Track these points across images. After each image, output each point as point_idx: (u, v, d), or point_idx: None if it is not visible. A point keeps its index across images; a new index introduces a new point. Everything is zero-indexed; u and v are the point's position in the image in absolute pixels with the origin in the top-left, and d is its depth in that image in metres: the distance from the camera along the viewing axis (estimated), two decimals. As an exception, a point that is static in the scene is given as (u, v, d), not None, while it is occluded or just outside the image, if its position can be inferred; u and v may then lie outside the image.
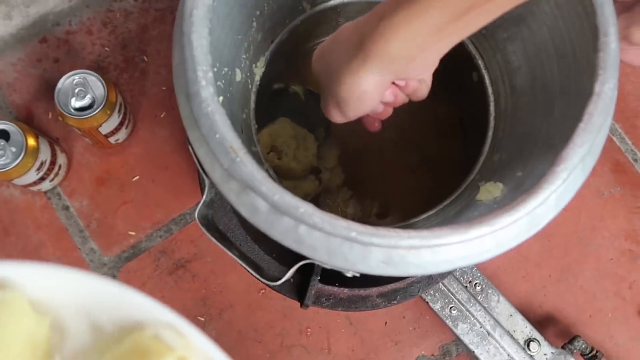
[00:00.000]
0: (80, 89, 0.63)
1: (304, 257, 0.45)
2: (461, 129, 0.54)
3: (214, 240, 0.38)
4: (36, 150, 0.63)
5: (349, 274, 0.38)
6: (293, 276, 0.56)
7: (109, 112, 0.64)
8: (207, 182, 0.37)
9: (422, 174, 0.55)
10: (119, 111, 0.66)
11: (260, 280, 0.52)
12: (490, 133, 0.48)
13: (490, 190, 0.43)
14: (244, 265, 0.38)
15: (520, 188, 0.39)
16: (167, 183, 0.72)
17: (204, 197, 0.37)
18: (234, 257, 0.38)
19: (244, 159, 0.33)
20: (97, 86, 0.63)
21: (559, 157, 0.33)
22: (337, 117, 0.41)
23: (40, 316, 0.29)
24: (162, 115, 0.73)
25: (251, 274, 0.51)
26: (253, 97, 0.47)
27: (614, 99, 0.35)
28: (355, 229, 0.32)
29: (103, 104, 0.63)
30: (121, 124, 0.67)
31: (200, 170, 0.36)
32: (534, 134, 0.43)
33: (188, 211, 0.71)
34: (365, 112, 0.40)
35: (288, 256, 0.47)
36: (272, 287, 0.58)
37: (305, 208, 0.32)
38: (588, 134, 0.33)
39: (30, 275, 0.30)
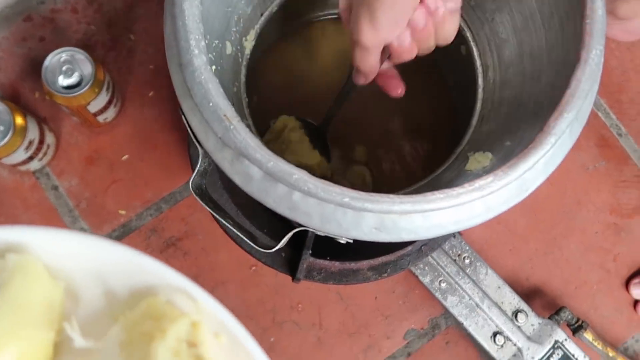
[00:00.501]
0: (68, 66, 0.62)
1: (296, 236, 0.46)
2: (450, 102, 0.55)
3: (208, 209, 0.38)
4: (24, 129, 0.62)
5: (343, 241, 0.39)
6: (285, 251, 0.57)
7: (97, 90, 0.63)
8: (200, 151, 0.37)
9: (413, 146, 0.55)
10: (107, 89, 0.66)
11: (254, 249, 0.53)
12: (478, 104, 0.48)
13: (480, 160, 0.44)
14: (238, 233, 0.38)
15: (509, 157, 0.40)
16: (156, 162, 0.72)
17: (198, 166, 0.37)
18: (228, 225, 0.38)
19: (237, 127, 0.33)
20: (84, 64, 0.63)
21: (548, 122, 0.34)
22: (368, 34, 0.38)
23: (55, 281, 0.30)
24: (150, 94, 0.73)
25: (243, 244, 0.52)
26: (244, 71, 0.47)
27: (601, 65, 0.35)
28: (349, 195, 0.33)
29: (91, 81, 0.62)
30: (109, 102, 0.67)
31: (194, 140, 0.36)
32: (522, 104, 0.44)
33: (178, 190, 0.71)
34: (399, 22, 0.37)
35: (279, 231, 0.47)
36: (264, 262, 0.58)
37: (299, 175, 0.33)
38: (576, 99, 0.34)
39: (45, 240, 0.30)
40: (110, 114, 0.69)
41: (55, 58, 0.62)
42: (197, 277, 0.69)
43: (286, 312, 0.69)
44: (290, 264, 0.58)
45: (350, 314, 0.70)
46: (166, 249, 0.70)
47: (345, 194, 0.33)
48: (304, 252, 0.55)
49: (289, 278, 0.69)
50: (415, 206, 0.33)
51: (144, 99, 0.73)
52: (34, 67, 0.71)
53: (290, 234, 0.37)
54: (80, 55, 0.63)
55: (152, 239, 0.70)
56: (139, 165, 0.71)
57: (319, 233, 0.36)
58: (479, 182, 0.33)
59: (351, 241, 0.39)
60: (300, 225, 0.37)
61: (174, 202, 0.71)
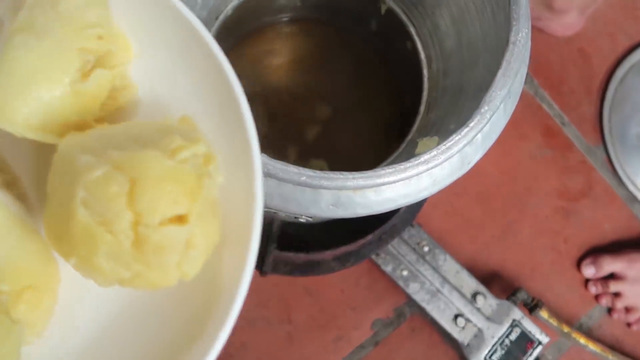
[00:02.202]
0: None
1: (262, 231, 0.48)
2: (398, 93, 0.58)
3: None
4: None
5: (303, 219, 0.41)
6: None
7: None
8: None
9: (365, 137, 0.58)
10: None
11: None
12: (425, 93, 0.52)
13: (427, 144, 0.47)
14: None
15: (454, 138, 0.43)
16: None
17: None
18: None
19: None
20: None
21: (483, 100, 0.37)
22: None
23: None
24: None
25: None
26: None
27: (528, 46, 0.39)
28: (305, 174, 0.35)
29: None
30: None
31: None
32: (463, 90, 0.47)
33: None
34: None
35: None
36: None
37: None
38: (507, 78, 0.38)
39: None
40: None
41: None
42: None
43: (255, 309, 0.71)
44: (256, 258, 0.60)
45: (319, 307, 0.72)
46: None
47: (302, 173, 0.35)
48: (269, 245, 0.57)
49: (256, 276, 0.71)
50: (367, 181, 0.36)
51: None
52: None
53: (253, 216, 0.40)
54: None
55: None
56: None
57: (280, 213, 0.38)
58: (423, 157, 0.36)
59: (311, 219, 0.41)
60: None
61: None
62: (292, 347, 0.71)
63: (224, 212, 0.32)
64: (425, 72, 0.52)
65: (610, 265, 0.74)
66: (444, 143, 0.37)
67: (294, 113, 0.59)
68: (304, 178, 0.35)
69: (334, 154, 0.57)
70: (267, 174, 0.36)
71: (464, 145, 0.37)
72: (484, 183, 0.78)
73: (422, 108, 0.52)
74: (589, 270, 0.75)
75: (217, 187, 0.31)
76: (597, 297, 0.75)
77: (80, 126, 0.32)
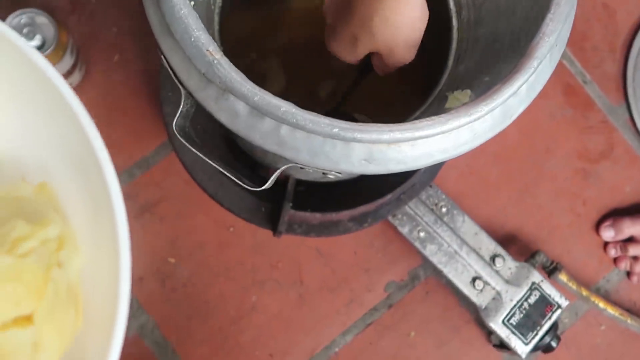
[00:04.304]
0: (29, 28, 0.60)
1: (276, 189, 0.46)
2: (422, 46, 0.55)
3: (194, 150, 0.38)
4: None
5: (331, 176, 0.39)
6: (264, 206, 0.57)
7: (60, 53, 0.62)
8: (183, 92, 0.36)
9: (387, 93, 0.55)
10: (71, 52, 0.64)
11: (234, 204, 0.53)
12: (454, 45, 0.49)
13: (459, 98, 0.44)
14: (226, 172, 0.38)
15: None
16: (125, 127, 0.70)
17: (180, 108, 0.37)
18: (215, 165, 0.38)
19: (221, 61, 0.32)
20: (46, 26, 0.61)
21: (530, 46, 0.34)
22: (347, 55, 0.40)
23: None
24: (115, 58, 0.71)
25: (224, 199, 0.51)
26: (217, 19, 0.46)
27: (578, -11, 0.36)
28: (338, 125, 0.33)
29: (54, 44, 0.60)
30: (74, 66, 0.65)
31: (176, 80, 0.35)
32: (498, 40, 0.44)
33: (150, 154, 0.70)
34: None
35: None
36: (244, 218, 0.58)
37: (287, 107, 0.32)
38: (556, 23, 0.35)
39: None
40: (75, 78, 0.67)
41: (15, 20, 0.60)
42: (174, 241, 0.68)
43: (266, 271, 0.69)
44: (270, 218, 0.58)
45: (331, 269, 0.70)
46: (141, 215, 0.69)
47: (335, 124, 0.33)
48: (284, 204, 0.55)
49: (268, 237, 0.69)
50: (404, 134, 0.33)
51: (109, 63, 0.71)
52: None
53: (278, 171, 0.37)
54: (42, 17, 0.61)
55: (126, 205, 0.68)
56: (107, 131, 0.68)
57: (308, 169, 0.36)
58: (465, 108, 0.34)
59: (340, 175, 0.39)
60: (287, 164, 0.37)
61: (147, 167, 0.70)
62: (304, 309, 0.69)
63: (89, 291, 0.29)
64: (454, 22, 0.49)
65: (630, 228, 0.72)
66: (487, 93, 0.34)
67: (313, 68, 0.56)
68: (336, 130, 0.33)
69: (354, 110, 0.54)
70: (295, 125, 0.33)
71: (509, 97, 0.34)
72: (501, 144, 0.76)
73: (450, 61, 0.49)
74: (608, 233, 0.73)
75: (76, 269, 0.29)
76: (615, 261, 0.73)
77: None
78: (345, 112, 0.51)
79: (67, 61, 0.63)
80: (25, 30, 0.60)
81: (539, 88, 0.37)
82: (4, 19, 0.60)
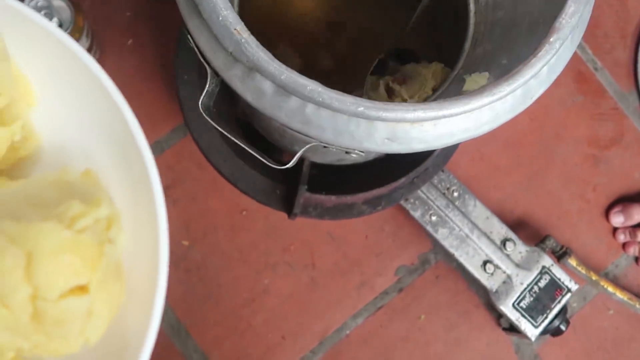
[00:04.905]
0: (46, 11, 0.61)
1: (291, 172, 0.46)
2: (437, 29, 0.55)
3: (219, 128, 0.38)
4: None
5: (354, 154, 0.39)
6: (279, 188, 0.58)
7: (77, 36, 0.62)
8: (209, 71, 0.37)
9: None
10: (87, 36, 0.64)
11: (249, 186, 0.53)
12: (471, 29, 0.49)
13: (477, 80, 0.44)
14: (251, 150, 0.38)
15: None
16: (139, 111, 0.69)
17: (207, 86, 0.37)
18: (239, 142, 0.38)
19: (249, 40, 0.33)
20: (63, 9, 0.61)
21: (553, 27, 0.35)
22: None
23: None
24: (129, 42, 0.72)
25: (240, 182, 0.52)
26: (237, 1, 0.47)
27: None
28: (363, 104, 0.33)
29: (71, 26, 0.61)
30: (89, 49, 0.66)
31: (202, 60, 0.35)
32: (516, 24, 0.45)
33: (164, 138, 0.71)
34: None
35: (274, 171, 0.48)
36: (259, 200, 0.59)
37: (313, 86, 0.33)
38: (578, 4, 0.35)
39: None
40: (90, 62, 0.68)
41: (32, 3, 0.60)
42: (188, 224, 0.69)
43: (279, 254, 0.70)
44: (285, 201, 0.58)
45: (342, 253, 0.71)
46: (155, 198, 0.69)
47: (360, 103, 0.33)
48: (299, 187, 0.55)
49: (281, 220, 0.70)
50: (427, 113, 0.33)
51: (122, 48, 0.71)
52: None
53: (303, 149, 0.38)
54: (58, 0, 0.61)
55: (140, 188, 0.69)
56: (122, 114, 0.70)
57: (330, 148, 0.36)
58: (488, 88, 0.34)
59: (362, 154, 0.39)
60: (309, 144, 0.37)
61: (160, 151, 0.71)
62: (315, 292, 0.70)
63: (129, 267, 0.32)
64: (472, 6, 0.50)
65: (639, 214, 0.73)
66: (510, 74, 0.34)
67: (326, 48, 0.56)
68: (361, 108, 0.33)
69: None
70: (320, 104, 0.33)
71: (530, 78, 0.35)
72: (512, 130, 0.76)
73: (467, 44, 0.49)
74: (617, 219, 0.74)
75: (120, 247, 0.32)
76: (624, 246, 0.74)
77: None
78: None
79: (83, 44, 0.64)
80: (42, 13, 0.60)
81: (559, 69, 0.37)
82: (22, 1, 0.60)
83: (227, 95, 0.45)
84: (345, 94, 0.33)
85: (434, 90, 0.48)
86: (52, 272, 0.29)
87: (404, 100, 0.49)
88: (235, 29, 0.33)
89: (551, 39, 0.35)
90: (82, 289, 0.29)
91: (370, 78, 0.52)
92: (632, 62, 0.77)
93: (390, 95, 0.51)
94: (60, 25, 0.61)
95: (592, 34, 0.78)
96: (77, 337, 0.30)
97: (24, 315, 0.28)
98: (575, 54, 0.77)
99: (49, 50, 0.33)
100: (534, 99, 0.37)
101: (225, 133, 0.38)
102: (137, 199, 0.33)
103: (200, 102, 0.37)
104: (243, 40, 0.33)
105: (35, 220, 0.29)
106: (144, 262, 0.32)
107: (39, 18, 0.32)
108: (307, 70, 0.55)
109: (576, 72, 0.77)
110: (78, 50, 0.32)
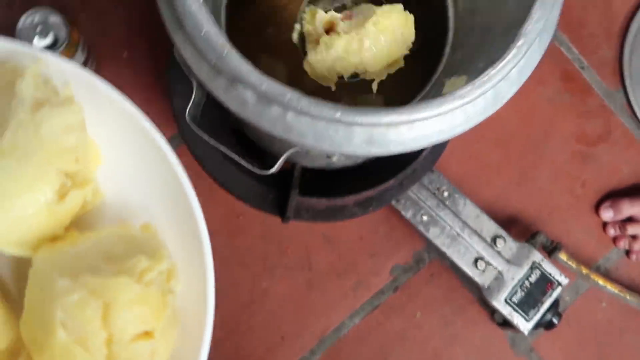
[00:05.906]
0: (42, 27, 0.63)
1: (283, 177, 0.48)
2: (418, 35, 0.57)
3: (206, 137, 0.40)
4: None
5: (334, 159, 0.41)
6: (272, 192, 0.59)
7: (73, 50, 0.64)
8: (194, 83, 0.39)
9: (386, 81, 0.57)
10: (83, 50, 0.66)
11: (243, 192, 0.55)
12: (450, 34, 0.51)
13: (456, 84, 0.46)
14: (236, 157, 0.40)
15: (483, 76, 0.42)
16: (136, 121, 0.73)
17: (193, 97, 0.39)
18: (225, 150, 0.40)
19: (230, 53, 0.35)
20: (58, 24, 0.63)
21: (519, 32, 0.36)
22: None
23: None
24: (124, 55, 0.74)
25: (234, 186, 0.54)
26: (224, 13, 0.49)
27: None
28: (340, 110, 0.35)
29: (66, 42, 0.63)
30: (85, 63, 0.68)
31: (187, 73, 0.37)
32: (491, 29, 0.46)
33: (160, 147, 0.72)
34: None
35: (267, 177, 0.49)
36: (253, 205, 0.60)
37: (292, 94, 0.35)
38: (543, 10, 0.37)
39: None
40: (87, 75, 0.70)
41: (29, 20, 0.63)
42: (186, 230, 0.71)
43: (276, 257, 0.72)
44: (278, 205, 0.60)
45: (338, 255, 0.73)
46: (154, 205, 0.71)
47: (337, 108, 0.35)
48: (291, 191, 0.57)
49: (276, 224, 0.71)
50: (401, 116, 0.35)
51: (118, 60, 0.73)
52: (7, 33, 0.71)
53: (285, 155, 0.39)
54: (54, 16, 0.63)
55: (139, 196, 0.71)
56: (120, 125, 0.72)
57: (313, 151, 0.38)
58: (458, 92, 0.36)
59: (342, 158, 0.41)
60: (294, 149, 0.39)
61: (158, 159, 0.73)
62: (313, 293, 0.72)
63: (180, 308, 0.38)
64: (450, 11, 0.51)
65: (628, 208, 0.74)
66: (479, 77, 0.36)
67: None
68: (338, 114, 0.35)
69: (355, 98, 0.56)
70: (300, 112, 0.35)
71: (499, 80, 0.37)
72: (501, 128, 0.78)
73: (447, 49, 0.51)
74: (607, 214, 0.75)
75: (176, 296, 0.38)
76: (614, 240, 0.75)
77: (52, 238, 0.37)
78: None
79: (79, 58, 0.66)
80: (38, 29, 0.62)
81: (529, 71, 0.39)
82: (17, 18, 0.62)
83: (219, 105, 0.47)
84: (323, 101, 0.35)
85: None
86: (125, 321, 0.34)
87: (338, 35, 0.47)
88: (217, 43, 0.35)
89: (518, 43, 0.36)
90: (148, 334, 0.35)
91: (310, 8, 0.50)
92: (617, 61, 0.79)
93: (329, 32, 0.49)
94: (56, 41, 0.63)
95: (577, 34, 0.80)
96: None
97: (100, 357, 0.34)
98: (561, 53, 0.79)
99: (115, 117, 0.40)
100: (505, 100, 0.39)
101: (211, 141, 0.40)
102: (187, 250, 0.39)
103: (187, 113, 0.39)
104: (225, 53, 0.35)
105: (110, 275, 0.35)
106: (193, 305, 0.38)
107: (110, 91, 0.40)
108: (295, 79, 0.57)
109: (563, 71, 0.79)
110: (146, 124, 0.40)
